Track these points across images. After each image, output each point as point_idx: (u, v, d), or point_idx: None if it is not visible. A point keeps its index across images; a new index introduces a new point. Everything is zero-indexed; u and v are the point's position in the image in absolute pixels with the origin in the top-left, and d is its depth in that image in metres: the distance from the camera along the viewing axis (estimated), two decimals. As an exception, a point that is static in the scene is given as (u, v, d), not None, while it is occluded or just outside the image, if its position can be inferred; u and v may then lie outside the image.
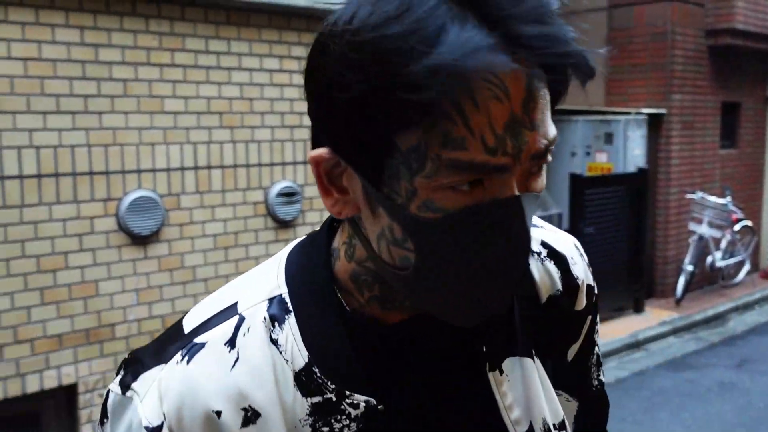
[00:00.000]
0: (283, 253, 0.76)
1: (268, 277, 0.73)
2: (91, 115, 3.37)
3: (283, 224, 4.07)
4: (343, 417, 0.69)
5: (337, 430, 0.69)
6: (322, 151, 0.65)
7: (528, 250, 0.64)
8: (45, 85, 3.24)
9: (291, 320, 0.70)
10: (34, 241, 3.25)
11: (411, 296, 0.68)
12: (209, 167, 3.79)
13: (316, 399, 0.69)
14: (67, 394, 3.48)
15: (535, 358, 0.80)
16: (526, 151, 0.59)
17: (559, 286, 0.82)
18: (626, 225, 7.41)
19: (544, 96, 0.60)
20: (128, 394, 0.68)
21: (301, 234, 3.96)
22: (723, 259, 8.36)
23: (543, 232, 0.85)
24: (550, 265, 0.82)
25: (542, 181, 0.64)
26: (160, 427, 0.66)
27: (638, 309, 7.62)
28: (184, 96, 3.68)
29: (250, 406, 0.68)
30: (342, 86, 0.59)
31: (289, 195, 4.05)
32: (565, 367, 0.85)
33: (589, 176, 7.40)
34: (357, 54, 0.57)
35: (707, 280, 8.57)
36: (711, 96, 8.43)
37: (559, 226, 6.32)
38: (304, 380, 0.69)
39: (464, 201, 0.60)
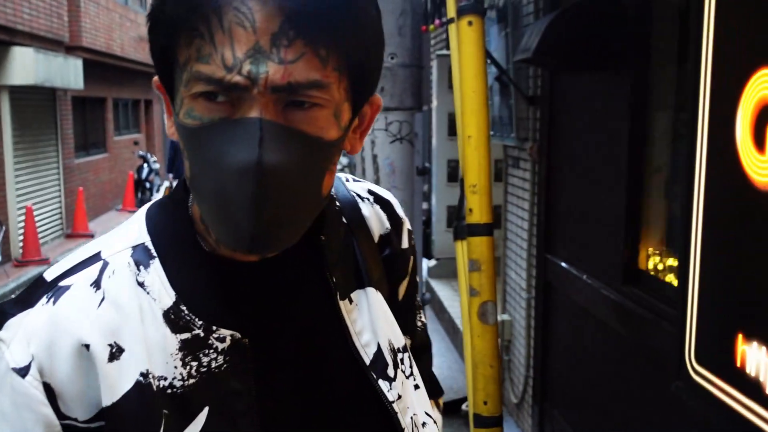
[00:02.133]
0: (142, 211, 0.82)
1: (128, 230, 0.79)
2: None
3: None
4: (211, 351, 0.75)
5: (205, 363, 0.74)
6: (156, 79, 0.77)
7: (262, 184, 0.67)
8: None
9: (156, 264, 0.76)
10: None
11: (201, 212, 0.74)
12: None
13: (185, 335, 0.74)
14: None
15: (375, 289, 0.89)
16: (265, 80, 0.66)
17: (387, 225, 0.94)
18: None
19: (310, 44, 0.67)
20: None
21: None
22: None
23: (367, 184, 0.98)
24: (378, 208, 0.94)
25: (315, 124, 0.70)
26: (29, 366, 0.70)
27: None
28: None
29: (115, 342, 0.72)
30: (151, 21, 0.72)
31: None
32: (397, 306, 0.95)
33: None
34: None
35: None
36: None
37: None
38: (172, 318, 0.74)
39: (217, 113, 0.69)
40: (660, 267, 2.81)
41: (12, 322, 0.73)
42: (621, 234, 2.93)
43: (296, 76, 0.68)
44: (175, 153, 11.32)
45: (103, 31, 13.14)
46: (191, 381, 0.74)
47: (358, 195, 0.95)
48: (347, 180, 0.97)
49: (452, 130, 7.58)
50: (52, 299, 0.74)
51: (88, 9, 12.32)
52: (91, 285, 0.75)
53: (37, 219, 10.21)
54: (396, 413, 0.85)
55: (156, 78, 0.78)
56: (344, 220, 0.90)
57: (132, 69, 15.63)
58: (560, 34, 2.98)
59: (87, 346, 0.72)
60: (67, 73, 10.84)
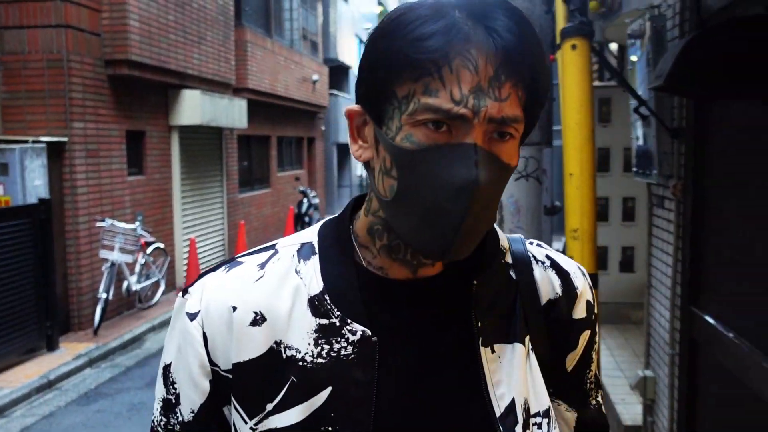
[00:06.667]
0: (320, 222, 0.98)
1: (305, 232, 0.97)
2: None
3: None
4: (342, 340, 0.87)
5: (336, 349, 0.87)
6: (354, 107, 0.90)
7: (474, 199, 0.80)
8: None
9: (315, 259, 0.91)
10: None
11: (392, 223, 0.86)
12: None
13: (323, 321, 0.88)
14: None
15: (529, 350, 0.94)
16: (485, 113, 0.79)
17: (559, 291, 0.97)
18: (32, 259, 6.92)
19: (514, 86, 0.81)
20: (185, 296, 0.92)
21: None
22: (138, 282, 8.59)
23: (550, 250, 1.03)
24: (551, 273, 0.98)
25: (508, 154, 0.83)
26: (197, 314, 0.90)
27: (51, 347, 7.09)
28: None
29: (260, 312, 0.88)
30: (368, 56, 0.85)
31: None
32: (564, 377, 0.99)
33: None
34: (382, 34, 0.83)
35: (126, 305, 8.71)
36: (114, 124, 8.51)
37: None
38: (316, 304, 0.88)
39: (434, 139, 0.81)
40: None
41: (198, 283, 0.92)
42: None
43: (506, 112, 0.81)
44: None
45: (268, 74, 13.78)
46: (320, 360, 0.87)
47: (535, 257, 0.99)
48: (531, 243, 1.03)
49: (602, 165, 7.46)
50: (227, 269, 0.92)
51: (255, 53, 13.03)
52: (257, 265, 0.92)
53: (200, 250, 10.79)
54: None
55: (351, 107, 0.90)
56: (513, 275, 0.96)
57: (295, 108, 16.34)
58: (699, 57, 2.59)
59: (234, 308, 0.88)
60: (232, 113, 11.49)
